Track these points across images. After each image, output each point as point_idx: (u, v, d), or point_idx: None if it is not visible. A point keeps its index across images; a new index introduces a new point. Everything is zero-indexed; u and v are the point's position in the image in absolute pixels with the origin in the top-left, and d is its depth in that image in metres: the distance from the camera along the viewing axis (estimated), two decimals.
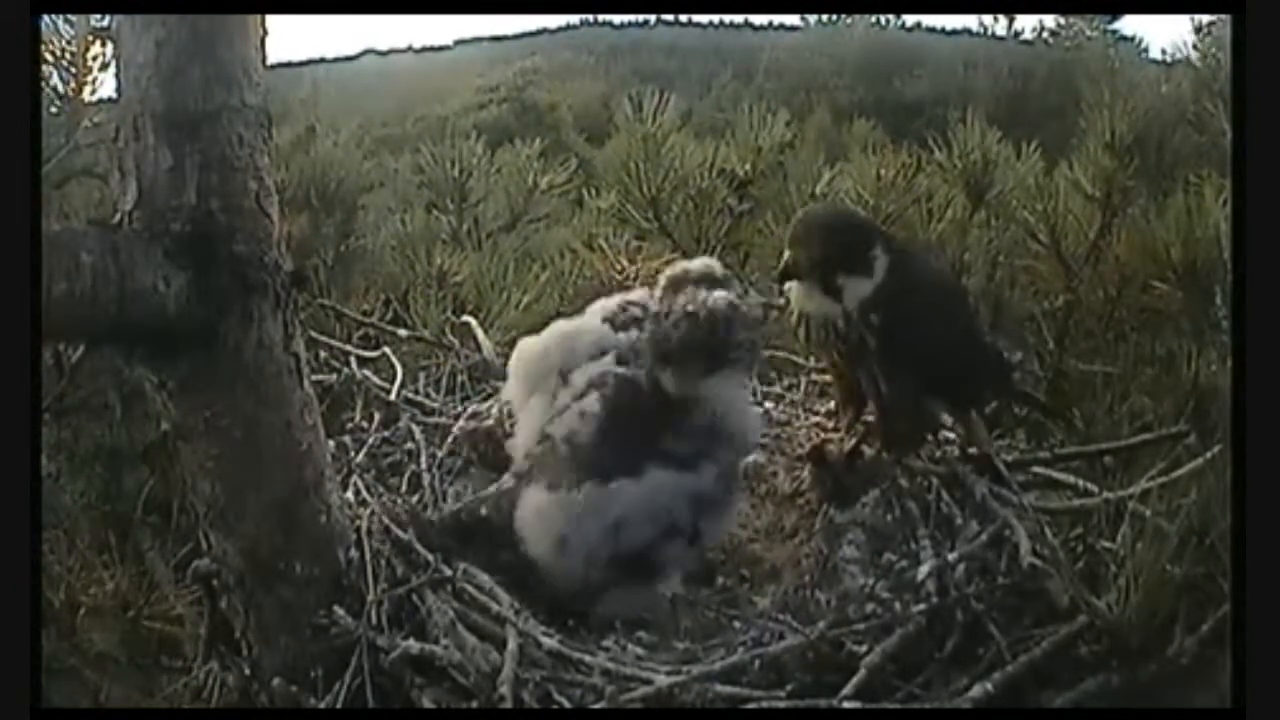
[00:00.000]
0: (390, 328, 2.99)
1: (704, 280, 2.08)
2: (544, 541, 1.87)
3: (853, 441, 2.19)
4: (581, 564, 1.86)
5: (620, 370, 1.99)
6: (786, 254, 2.02)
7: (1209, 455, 1.93)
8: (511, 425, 2.18)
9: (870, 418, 2.24)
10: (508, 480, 2.01)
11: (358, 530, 1.85)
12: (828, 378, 2.37)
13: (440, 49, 18.80)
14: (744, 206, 3.38)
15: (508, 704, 1.57)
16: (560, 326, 2.19)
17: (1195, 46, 4.02)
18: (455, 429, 2.32)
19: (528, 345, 2.18)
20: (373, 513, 1.91)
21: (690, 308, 1.97)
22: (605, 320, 2.14)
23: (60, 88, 2.81)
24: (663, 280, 2.15)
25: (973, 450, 2.16)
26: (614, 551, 1.86)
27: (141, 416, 2.81)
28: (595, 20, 18.80)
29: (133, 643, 2.23)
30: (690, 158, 3.32)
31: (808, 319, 2.07)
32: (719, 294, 1.99)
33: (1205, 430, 2.24)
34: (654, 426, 1.92)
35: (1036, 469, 2.21)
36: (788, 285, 2.06)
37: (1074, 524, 2.00)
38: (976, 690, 1.62)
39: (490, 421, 2.26)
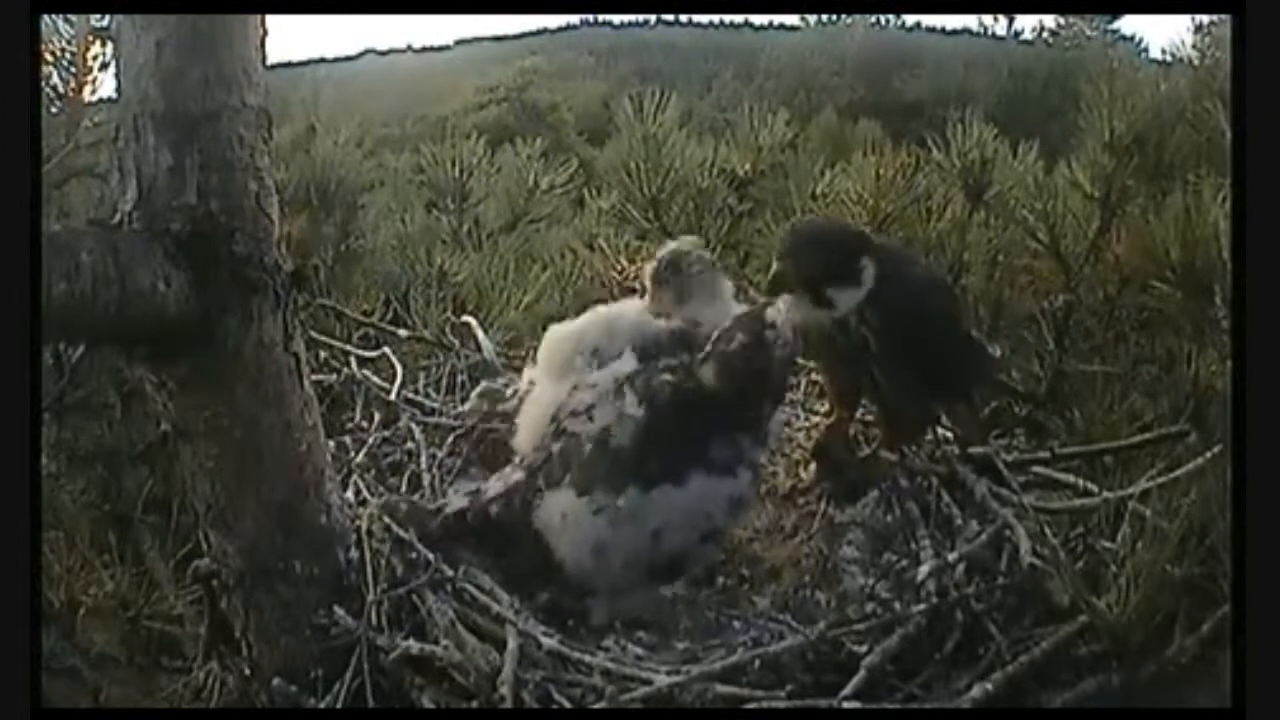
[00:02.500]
0: (390, 328, 2.99)
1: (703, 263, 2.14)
2: (577, 547, 1.83)
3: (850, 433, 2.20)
4: (619, 569, 1.83)
5: (667, 376, 1.94)
6: (775, 266, 2.01)
7: (1209, 455, 1.93)
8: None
9: (869, 416, 2.25)
10: (514, 474, 1.95)
11: (358, 530, 1.85)
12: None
13: (440, 49, 18.81)
14: (744, 206, 3.38)
15: (508, 704, 1.57)
16: (599, 310, 2.18)
17: (1194, 46, 4.01)
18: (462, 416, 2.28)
19: (560, 330, 2.16)
20: (372, 512, 1.91)
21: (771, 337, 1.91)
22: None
23: (60, 88, 2.81)
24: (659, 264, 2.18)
25: (973, 450, 2.16)
26: (652, 557, 1.84)
27: (141, 416, 2.81)
28: (595, 20, 18.81)
29: (133, 643, 2.23)
30: (690, 158, 3.32)
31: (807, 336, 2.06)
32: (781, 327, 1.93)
33: (1205, 430, 2.25)
34: (702, 432, 1.87)
35: (1036, 469, 2.21)
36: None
37: (1074, 524, 2.00)
38: (976, 690, 1.62)
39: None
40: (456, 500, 1.99)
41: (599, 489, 1.83)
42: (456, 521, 1.90)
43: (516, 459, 2.02)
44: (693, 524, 1.85)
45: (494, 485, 1.95)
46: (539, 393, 2.08)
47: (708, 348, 1.92)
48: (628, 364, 1.98)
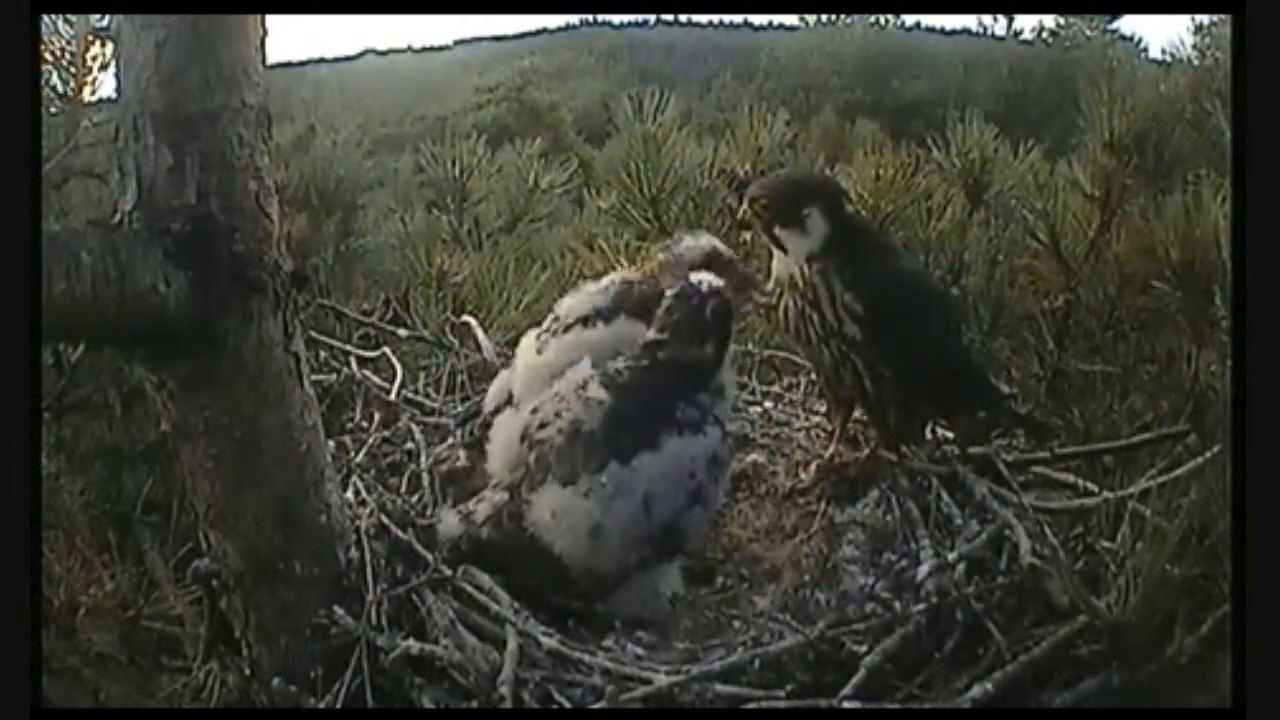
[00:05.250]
0: (390, 328, 2.99)
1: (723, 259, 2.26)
2: (574, 535, 1.84)
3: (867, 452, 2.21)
4: (618, 547, 1.84)
5: (625, 362, 1.99)
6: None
7: (1209, 455, 1.93)
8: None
9: (865, 418, 2.24)
10: (497, 496, 1.97)
11: (358, 530, 1.85)
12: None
13: (440, 49, 18.88)
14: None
15: (508, 704, 1.57)
16: (585, 335, 2.15)
17: (1194, 46, 4.03)
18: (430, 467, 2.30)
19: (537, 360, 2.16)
20: (372, 512, 1.91)
21: (708, 286, 2.02)
22: (627, 313, 2.15)
23: (60, 88, 2.81)
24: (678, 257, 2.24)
25: (973, 450, 2.16)
26: (648, 528, 1.85)
27: (141, 416, 2.82)
28: (595, 20, 18.87)
29: (133, 643, 2.23)
30: (690, 158, 3.32)
31: (787, 308, 2.13)
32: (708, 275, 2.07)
33: (1205, 430, 2.24)
34: (666, 399, 1.93)
35: (1036, 469, 2.21)
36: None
37: (1074, 524, 2.00)
38: (976, 690, 1.62)
39: (461, 462, 2.24)
40: (449, 520, 1.98)
41: (583, 474, 1.86)
42: (451, 551, 1.90)
43: (494, 482, 2.03)
44: (678, 484, 1.87)
45: (481, 509, 1.97)
46: (504, 419, 2.10)
47: (656, 323, 2.02)
48: (584, 370, 2.01)
